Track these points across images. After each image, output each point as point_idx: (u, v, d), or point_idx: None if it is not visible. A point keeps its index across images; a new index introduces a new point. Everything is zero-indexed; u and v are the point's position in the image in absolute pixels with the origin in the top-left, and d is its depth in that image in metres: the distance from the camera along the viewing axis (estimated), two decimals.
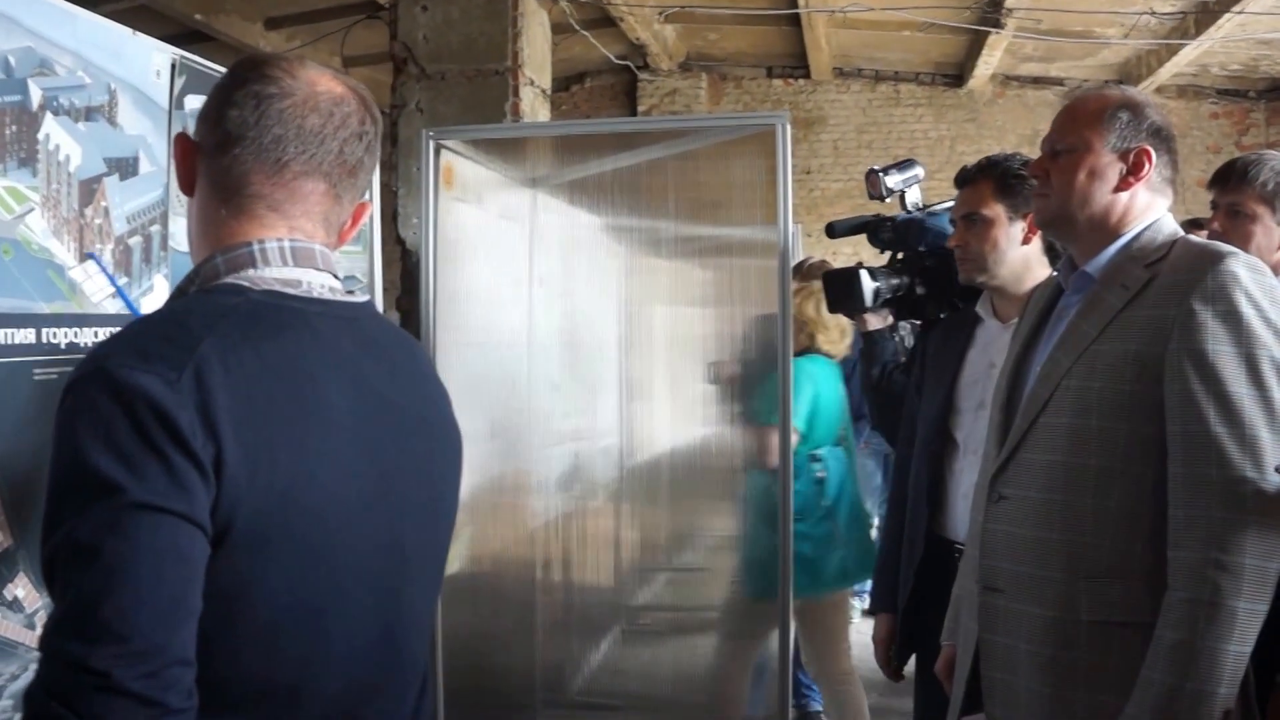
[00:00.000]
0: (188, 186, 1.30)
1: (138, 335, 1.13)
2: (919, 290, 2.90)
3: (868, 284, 2.82)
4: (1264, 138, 9.27)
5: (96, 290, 1.99)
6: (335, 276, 1.30)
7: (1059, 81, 9.58)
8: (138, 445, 1.02)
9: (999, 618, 1.90)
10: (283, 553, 1.12)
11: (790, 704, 3.41)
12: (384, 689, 1.28)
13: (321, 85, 1.27)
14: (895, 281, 2.89)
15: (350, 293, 1.32)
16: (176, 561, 1.03)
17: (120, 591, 0.99)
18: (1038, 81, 9.64)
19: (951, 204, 2.94)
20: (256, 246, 1.23)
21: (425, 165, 3.25)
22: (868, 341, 3.03)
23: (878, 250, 3.08)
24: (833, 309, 3.03)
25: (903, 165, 3.02)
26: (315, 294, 1.25)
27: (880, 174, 2.98)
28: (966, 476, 2.52)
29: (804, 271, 4.87)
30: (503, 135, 3.86)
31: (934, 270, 2.87)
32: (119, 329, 1.18)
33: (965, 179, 2.59)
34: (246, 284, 1.21)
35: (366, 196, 1.38)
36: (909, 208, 2.99)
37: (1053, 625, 1.81)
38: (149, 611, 1.00)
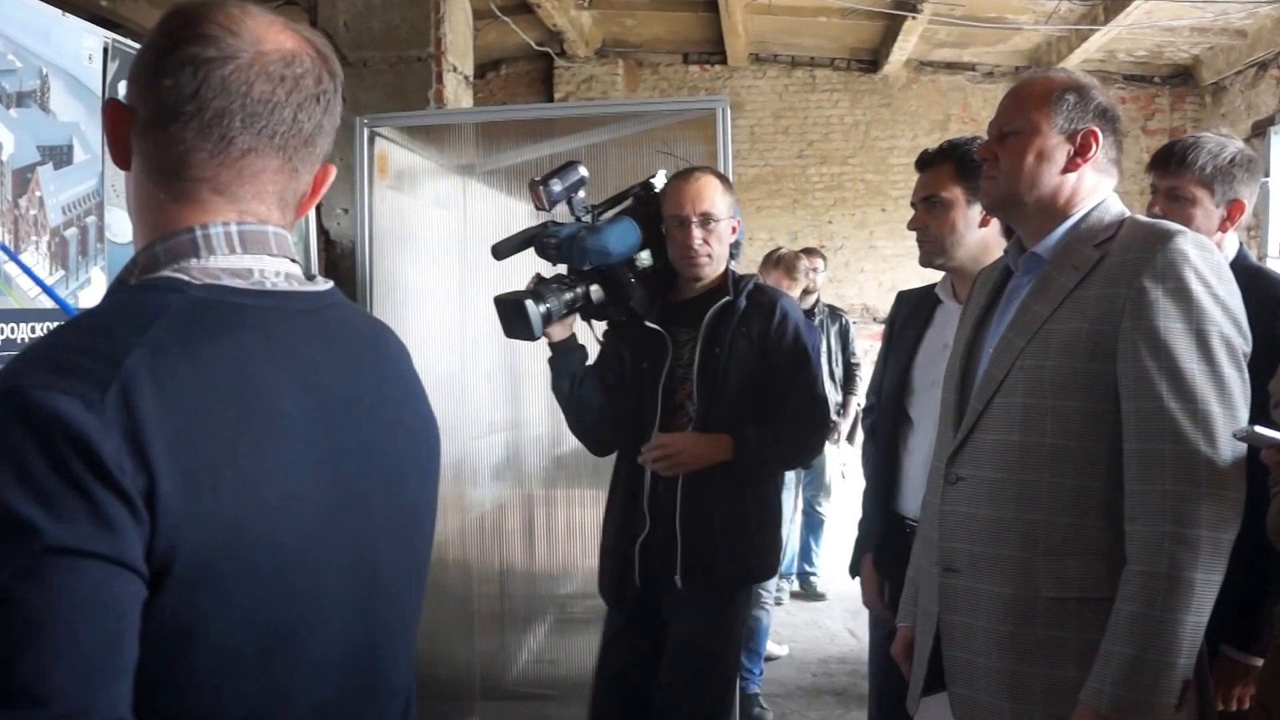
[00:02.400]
0: (123, 160, 1.13)
1: (56, 347, 0.97)
2: (594, 298, 2.82)
3: (534, 313, 2.72)
4: (1168, 122, 9.51)
5: (33, 284, 1.91)
6: (293, 260, 1.16)
7: (971, 67, 9.73)
8: (55, 480, 0.89)
9: (958, 597, 1.92)
10: (233, 586, 0.98)
11: (736, 687, 3.44)
12: (361, 716, 1.16)
13: (269, 42, 1.09)
14: (569, 296, 2.79)
15: (311, 278, 1.18)
16: (103, 611, 0.90)
17: (37, 648, 0.86)
18: (951, 67, 9.78)
19: (619, 210, 2.88)
20: (199, 232, 1.08)
21: (359, 153, 3.19)
22: (554, 353, 2.91)
23: (550, 264, 2.92)
24: (507, 335, 2.85)
25: (564, 171, 2.84)
26: (269, 284, 1.11)
27: (541, 185, 2.79)
28: (918, 454, 2.56)
29: (773, 262, 4.91)
30: (442, 121, 3.79)
31: (607, 277, 2.81)
32: (39, 337, 1.04)
33: (926, 162, 2.62)
34: (185, 277, 1.05)
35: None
36: (577, 214, 2.86)
37: (1011, 603, 1.84)
38: (71, 669, 0.87)
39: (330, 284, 1.21)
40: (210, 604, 0.97)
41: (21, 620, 0.87)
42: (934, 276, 2.71)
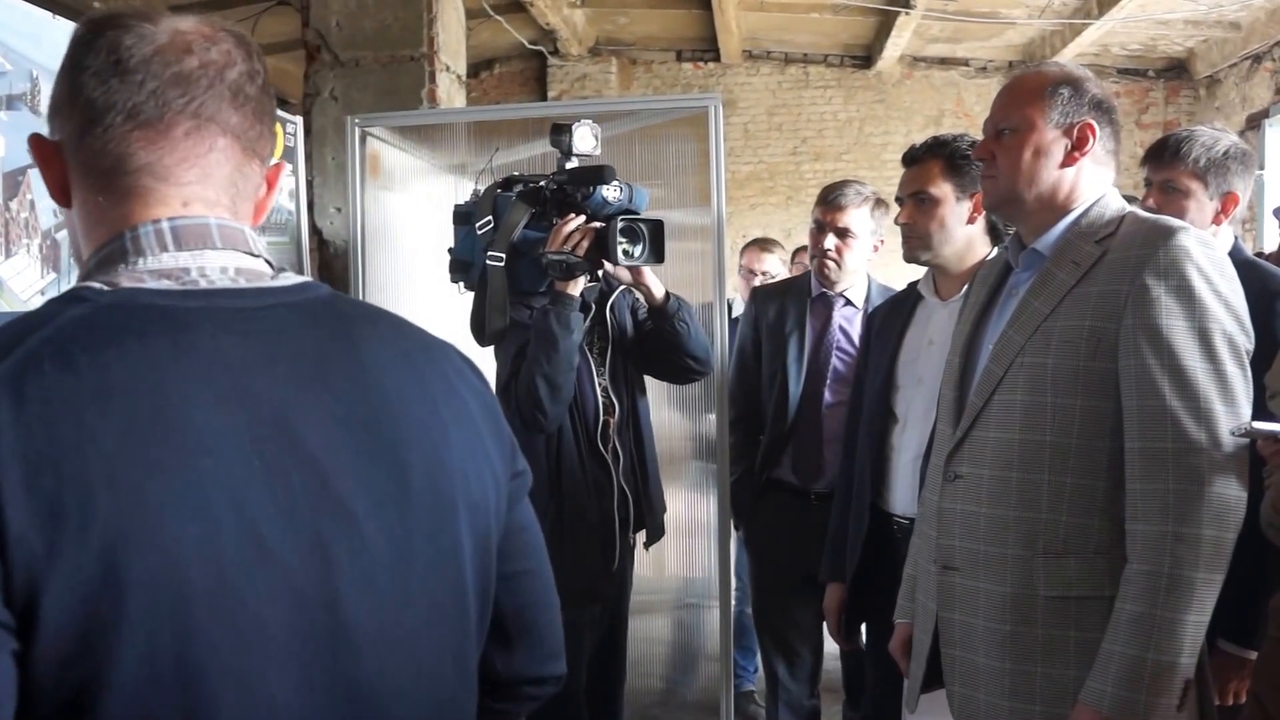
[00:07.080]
0: (62, 194, 1.05)
1: None
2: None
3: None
4: (1162, 115, 9.49)
5: (25, 287, 1.90)
6: (251, 254, 1.05)
7: (965, 62, 9.71)
8: None
9: (956, 595, 1.91)
10: (123, 629, 0.83)
11: (731, 684, 3.43)
12: None
13: (186, 24, 1.03)
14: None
15: (281, 270, 1.07)
16: None
17: None
18: (944, 62, 9.76)
19: None
20: (128, 236, 0.99)
21: (351, 153, 3.17)
22: (575, 307, 2.67)
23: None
24: (614, 260, 2.68)
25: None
26: (205, 283, 0.99)
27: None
28: (905, 451, 2.56)
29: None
30: (434, 121, 3.78)
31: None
32: None
33: (913, 158, 2.62)
34: (102, 286, 0.96)
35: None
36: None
37: (1010, 601, 1.83)
38: None
39: (303, 279, 1.08)
40: (100, 655, 0.83)
41: None
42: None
